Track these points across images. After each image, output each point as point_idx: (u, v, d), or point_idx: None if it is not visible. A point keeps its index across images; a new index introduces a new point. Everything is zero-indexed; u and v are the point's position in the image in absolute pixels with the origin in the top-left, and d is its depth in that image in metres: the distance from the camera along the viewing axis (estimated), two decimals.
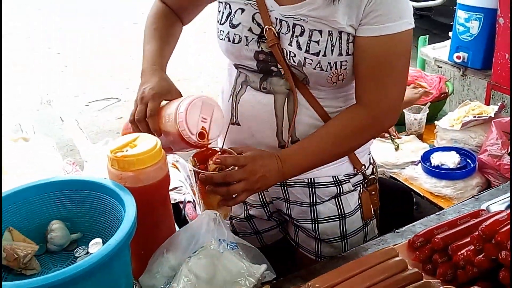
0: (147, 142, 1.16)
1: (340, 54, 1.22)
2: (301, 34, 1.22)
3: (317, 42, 1.21)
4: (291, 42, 1.23)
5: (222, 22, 1.31)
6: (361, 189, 1.43)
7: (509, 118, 2.15)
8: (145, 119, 1.23)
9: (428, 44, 3.11)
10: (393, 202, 2.17)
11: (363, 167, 1.41)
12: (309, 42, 1.21)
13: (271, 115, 1.31)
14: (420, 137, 2.46)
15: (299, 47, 1.23)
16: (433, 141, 2.43)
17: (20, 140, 1.25)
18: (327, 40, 1.20)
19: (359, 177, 1.42)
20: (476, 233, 1.00)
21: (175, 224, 1.35)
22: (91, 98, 5.04)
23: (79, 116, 4.59)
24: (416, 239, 1.12)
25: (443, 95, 2.66)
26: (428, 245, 1.10)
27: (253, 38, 1.27)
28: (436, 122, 2.39)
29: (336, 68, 1.23)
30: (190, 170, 1.26)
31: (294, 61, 1.24)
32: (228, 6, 1.30)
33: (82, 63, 5.87)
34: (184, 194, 1.74)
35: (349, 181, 1.40)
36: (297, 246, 1.50)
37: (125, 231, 0.97)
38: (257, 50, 1.28)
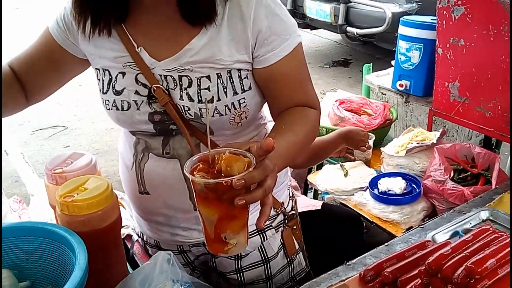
0: (97, 185, 1.15)
1: (235, 93, 1.18)
2: (189, 85, 1.16)
3: (208, 88, 1.16)
4: (181, 96, 1.17)
5: (104, 91, 1.23)
6: (283, 228, 1.44)
7: (450, 144, 2.24)
8: None
9: (372, 71, 3.21)
10: (344, 228, 2.22)
11: (282, 206, 1.42)
12: (199, 91, 1.16)
13: (180, 180, 1.25)
14: (367, 163, 2.53)
15: (190, 99, 1.17)
16: (380, 166, 2.51)
17: None
18: (217, 84, 1.16)
19: (280, 217, 1.43)
20: (423, 267, 1.04)
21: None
22: (37, 126, 4.91)
23: (24, 145, 4.46)
24: (367, 273, 1.15)
25: (387, 121, 2.74)
26: (378, 278, 1.13)
27: (143, 101, 1.19)
28: (382, 148, 2.47)
29: (235, 109, 1.19)
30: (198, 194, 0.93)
31: (190, 114, 1.18)
32: (107, 72, 1.22)
33: None
34: (130, 228, 1.71)
35: (271, 226, 1.40)
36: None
37: (77, 280, 0.95)
38: (150, 111, 1.20)
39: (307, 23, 6.24)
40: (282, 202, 1.42)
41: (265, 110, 1.34)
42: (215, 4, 1.12)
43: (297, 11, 6.16)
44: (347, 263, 1.30)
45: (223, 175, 0.90)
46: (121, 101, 1.20)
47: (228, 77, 1.16)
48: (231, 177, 0.88)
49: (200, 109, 1.17)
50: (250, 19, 1.12)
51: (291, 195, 1.50)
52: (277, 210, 1.41)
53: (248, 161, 0.91)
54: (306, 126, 1.20)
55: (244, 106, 1.20)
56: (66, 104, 5.26)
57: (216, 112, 1.17)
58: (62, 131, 4.83)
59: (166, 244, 1.42)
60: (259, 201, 0.94)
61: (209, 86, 1.15)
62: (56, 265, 1.11)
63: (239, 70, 1.17)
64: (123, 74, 1.19)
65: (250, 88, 1.20)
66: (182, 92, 1.17)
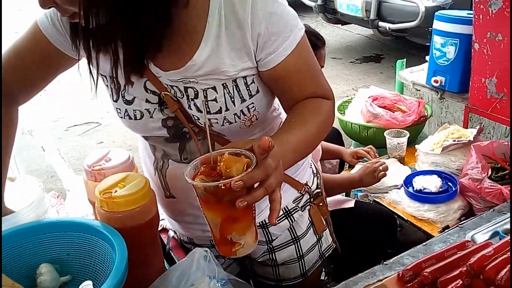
0: (136, 182, 1.16)
1: (243, 100, 1.16)
2: (196, 96, 1.14)
3: (215, 100, 1.14)
4: (189, 106, 1.16)
5: (115, 99, 1.21)
6: (309, 207, 1.44)
7: (487, 141, 2.20)
8: None
9: (406, 67, 3.17)
10: (377, 226, 2.21)
11: (305, 186, 1.41)
12: (206, 103, 1.14)
13: None
14: (401, 160, 2.50)
15: (198, 110, 1.15)
16: (414, 164, 2.47)
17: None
18: (224, 94, 1.14)
19: (306, 197, 1.43)
20: (464, 268, 1.02)
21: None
22: (71, 122, 5.00)
23: (59, 141, 4.54)
24: (405, 273, 1.13)
25: (422, 118, 2.71)
26: (417, 278, 1.11)
27: (155, 108, 1.18)
28: (416, 146, 2.44)
29: (244, 115, 1.17)
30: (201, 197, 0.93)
31: (201, 123, 1.18)
32: (114, 80, 1.16)
33: (61, 87, 5.82)
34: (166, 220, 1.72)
35: (298, 207, 1.40)
36: (255, 277, 1.51)
37: (118, 276, 0.97)
38: (163, 118, 1.20)
39: (337, 18, 6.18)
40: (306, 182, 1.42)
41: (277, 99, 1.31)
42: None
43: (327, 6, 6.11)
44: (384, 262, 1.28)
45: (223, 177, 0.88)
46: (133, 110, 1.20)
47: (234, 86, 1.14)
48: (229, 179, 0.86)
49: (209, 119, 1.16)
50: (247, 25, 1.07)
51: (315, 171, 1.50)
52: (301, 191, 1.41)
53: (248, 162, 0.89)
54: (319, 117, 1.17)
55: (254, 110, 1.18)
56: (99, 101, 5.34)
57: (225, 121, 1.16)
58: (96, 127, 4.91)
59: (199, 240, 1.44)
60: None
61: (215, 97, 1.13)
62: (96, 261, 1.13)
63: (244, 77, 1.14)
64: (132, 83, 1.16)
65: (257, 91, 1.18)
66: (190, 102, 1.15)
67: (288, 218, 1.39)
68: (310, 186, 1.44)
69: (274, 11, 1.07)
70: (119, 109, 1.21)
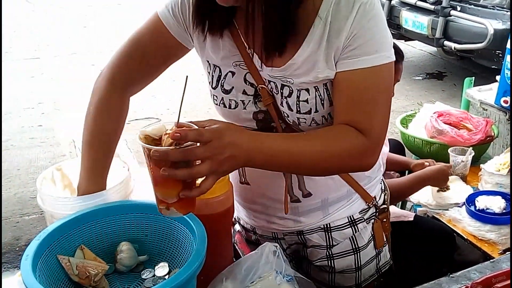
0: None
1: (332, 104, 1.18)
2: (289, 95, 1.18)
3: (306, 101, 1.17)
4: (282, 102, 1.20)
5: (214, 86, 1.27)
6: (374, 221, 1.46)
7: None
8: None
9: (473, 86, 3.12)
10: (435, 242, 2.18)
11: (373, 200, 1.43)
12: (298, 102, 1.18)
13: (278, 174, 1.29)
14: (464, 179, 2.46)
15: (289, 108, 1.19)
16: (477, 183, 2.43)
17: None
18: (316, 96, 1.17)
19: (372, 210, 1.45)
20: None
21: None
22: (132, 117, 5.16)
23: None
24: (475, 286, 1.13)
25: (488, 138, 2.66)
26: None
27: (249, 100, 1.24)
28: (481, 165, 2.40)
29: (332, 118, 1.19)
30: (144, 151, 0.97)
31: (289, 121, 1.22)
32: (217, 68, 1.25)
33: None
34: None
35: (363, 218, 1.42)
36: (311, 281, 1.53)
37: (196, 263, 1.01)
38: (255, 110, 1.25)
39: (401, 33, 6.11)
40: (374, 196, 1.44)
41: None
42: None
43: (392, 21, 6.05)
44: (451, 275, 1.28)
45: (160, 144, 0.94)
46: (229, 99, 1.26)
47: (324, 89, 1.17)
48: (152, 147, 0.92)
49: (298, 118, 1.20)
50: (346, 33, 1.10)
51: (383, 188, 1.51)
52: (369, 204, 1.43)
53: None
54: (332, 146, 1.11)
55: None
56: (160, 98, 5.47)
57: (313, 122, 1.20)
58: (156, 123, 5.02)
59: (262, 230, 1.48)
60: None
61: (307, 98, 1.17)
62: (174, 244, 1.18)
63: (332, 80, 1.16)
64: (233, 73, 1.23)
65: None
66: (283, 99, 1.20)
67: (352, 227, 1.41)
68: (377, 200, 1.46)
69: (371, 27, 1.10)
70: (216, 96, 1.27)
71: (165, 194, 0.98)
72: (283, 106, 1.21)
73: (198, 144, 0.94)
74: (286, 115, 1.22)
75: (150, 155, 0.93)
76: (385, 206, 1.49)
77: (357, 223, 1.41)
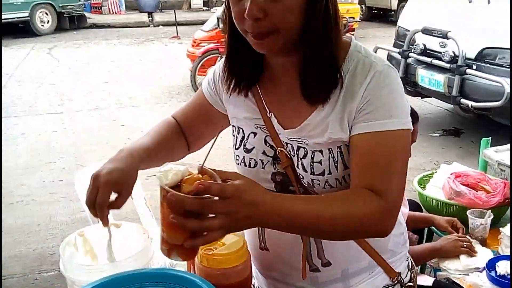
0: (234, 241, 1.23)
1: (346, 168, 1.19)
2: (304, 156, 1.22)
3: (320, 162, 1.20)
4: (297, 164, 1.23)
5: (237, 147, 1.34)
6: None
7: None
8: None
9: (491, 146, 3.12)
10: None
11: (398, 276, 1.39)
12: (312, 163, 1.21)
13: (297, 237, 1.29)
14: (483, 242, 2.43)
15: (304, 169, 1.22)
16: (497, 247, 2.40)
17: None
18: (329, 158, 1.19)
19: (397, 287, 1.40)
20: None
21: None
22: (151, 172, 5.21)
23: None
24: None
25: (507, 200, 2.64)
26: None
27: (268, 161, 1.28)
28: (501, 228, 2.37)
29: (346, 182, 1.20)
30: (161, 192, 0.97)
31: (304, 183, 1.24)
32: (241, 130, 1.33)
33: None
34: None
35: None
36: None
37: None
38: (274, 171, 1.28)
39: (418, 91, 6.17)
40: (399, 272, 1.41)
41: None
42: (331, 89, 1.16)
43: (408, 79, 6.12)
44: None
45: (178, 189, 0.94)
46: (250, 158, 1.31)
47: (338, 152, 1.19)
48: (170, 190, 0.92)
49: (312, 180, 1.22)
50: (359, 98, 1.14)
51: (410, 266, 1.48)
52: (393, 280, 1.40)
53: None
54: (350, 209, 1.09)
55: None
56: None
57: (327, 184, 1.21)
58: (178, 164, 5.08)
59: None
60: None
61: (321, 160, 1.20)
62: None
63: (347, 145, 1.19)
64: (255, 134, 1.30)
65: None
66: (299, 161, 1.23)
67: None
68: (403, 277, 1.42)
69: (385, 95, 1.14)
70: (238, 156, 1.33)
71: (171, 237, 0.97)
72: (299, 168, 1.24)
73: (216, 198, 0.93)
74: (301, 177, 1.24)
75: (167, 196, 0.93)
76: (412, 284, 1.44)
77: None
